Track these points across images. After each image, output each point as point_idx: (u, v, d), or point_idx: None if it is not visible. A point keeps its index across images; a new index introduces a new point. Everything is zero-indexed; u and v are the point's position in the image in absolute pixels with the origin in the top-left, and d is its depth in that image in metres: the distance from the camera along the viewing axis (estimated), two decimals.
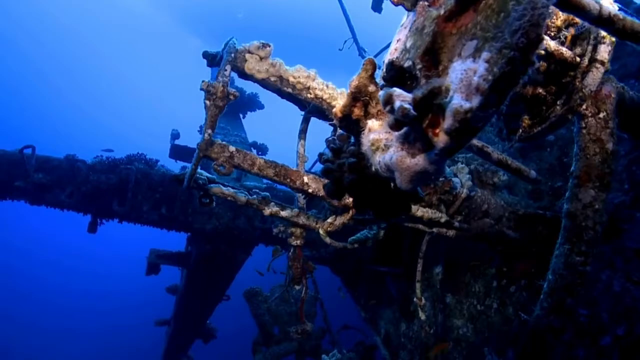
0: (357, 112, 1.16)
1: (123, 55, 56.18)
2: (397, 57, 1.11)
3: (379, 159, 1.00)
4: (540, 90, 1.48)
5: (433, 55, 0.93)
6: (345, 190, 1.29)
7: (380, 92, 0.90)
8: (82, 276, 43.99)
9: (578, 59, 1.42)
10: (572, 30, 1.43)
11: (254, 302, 5.86)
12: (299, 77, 2.75)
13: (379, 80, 1.20)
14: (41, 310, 38.84)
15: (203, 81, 2.41)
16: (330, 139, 1.42)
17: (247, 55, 2.64)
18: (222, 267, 7.47)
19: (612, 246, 3.77)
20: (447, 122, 0.77)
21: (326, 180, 1.51)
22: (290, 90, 2.77)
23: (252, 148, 9.41)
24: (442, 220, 3.37)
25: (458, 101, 0.76)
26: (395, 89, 0.89)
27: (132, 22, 51.85)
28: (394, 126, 0.95)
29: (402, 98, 0.85)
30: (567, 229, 1.66)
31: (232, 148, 2.60)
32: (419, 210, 3.28)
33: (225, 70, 2.51)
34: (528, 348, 1.61)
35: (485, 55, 0.73)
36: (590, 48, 1.45)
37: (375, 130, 1.08)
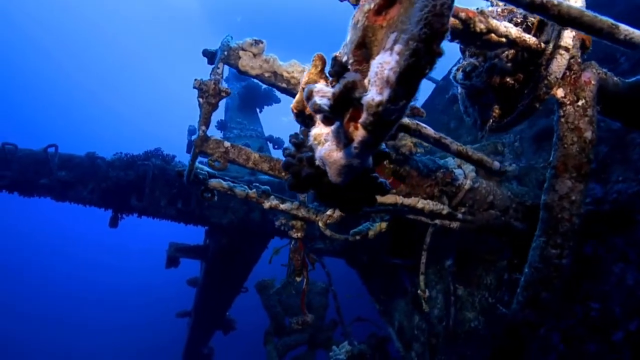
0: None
1: (145, 46, 56.83)
2: (339, 52, 1.13)
3: (317, 153, 1.03)
4: (508, 79, 1.45)
5: (365, 49, 0.95)
6: (304, 183, 1.31)
7: (305, 88, 0.92)
8: (105, 270, 45.36)
9: (544, 45, 1.38)
10: (537, 16, 1.39)
11: (265, 294, 5.98)
12: (292, 72, 2.78)
13: None
14: (65, 306, 40.29)
15: (195, 79, 2.48)
16: (293, 133, 1.46)
17: (241, 53, 2.69)
18: (239, 260, 7.63)
19: (626, 238, 3.64)
20: (363, 116, 0.79)
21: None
22: (284, 85, 2.81)
23: (267, 142, 9.52)
24: (444, 212, 3.34)
25: (371, 95, 0.78)
26: (316, 84, 0.92)
27: (155, 10, 52.08)
28: (325, 121, 0.98)
29: (322, 94, 0.88)
30: (543, 221, 1.63)
31: (227, 144, 2.67)
32: (419, 202, 3.26)
33: (218, 68, 2.56)
34: (504, 342, 1.59)
35: (397, 47, 0.74)
36: (555, 34, 1.40)
37: (319, 124, 1.10)
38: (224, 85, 2.53)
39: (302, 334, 5.81)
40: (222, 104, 10.90)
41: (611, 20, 0.92)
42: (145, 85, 59.42)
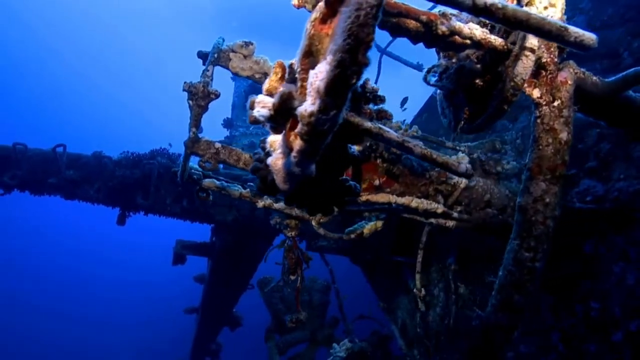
0: None
1: (156, 43, 56.90)
2: (295, 60, 1.15)
3: (267, 161, 1.05)
4: (477, 81, 1.44)
5: (313, 57, 0.97)
6: (270, 188, 1.34)
7: (249, 98, 0.94)
8: (119, 267, 45.83)
9: (510, 46, 1.36)
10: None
11: (266, 291, 6.04)
12: None
13: None
14: (80, 302, 40.87)
15: (185, 82, 2.52)
16: (263, 138, 1.49)
17: (231, 54, 2.72)
18: (245, 257, 7.71)
19: (626, 237, 3.59)
20: (299, 126, 0.81)
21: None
22: None
23: None
24: (439, 211, 3.33)
25: (305, 105, 0.80)
26: (259, 95, 0.94)
27: (165, 6, 51.87)
28: (273, 130, 1.00)
29: (263, 104, 0.90)
30: (517, 224, 1.62)
31: (217, 145, 2.70)
32: (413, 201, 3.26)
33: (208, 70, 2.60)
34: (479, 345, 1.59)
35: (328, 58, 0.76)
36: (521, 35, 1.38)
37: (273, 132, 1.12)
38: (213, 87, 2.57)
39: (304, 332, 5.86)
40: (229, 102, 10.96)
41: (560, 23, 0.91)
42: (156, 81, 59.81)
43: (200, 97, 2.51)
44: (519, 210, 1.60)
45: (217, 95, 2.57)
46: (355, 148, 1.52)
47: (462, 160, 3.64)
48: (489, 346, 1.54)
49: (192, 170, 3.10)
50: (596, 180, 3.95)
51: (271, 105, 0.87)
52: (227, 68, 2.76)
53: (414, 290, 3.65)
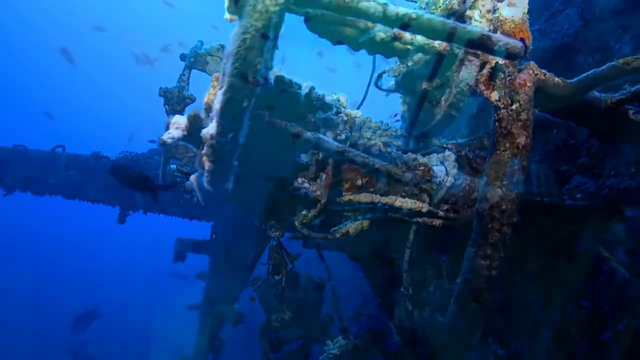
0: None
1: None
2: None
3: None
4: (426, 86, 1.42)
5: None
6: None
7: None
8: (119, 264, 45.96)
9: (457, 50, 1.34)
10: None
11: (259, 289, 6.07)
12: None
13: None
14: (80, 300, 41.08)
15: (160, 88, 2.53)
16: None
17: (208, 58, 2.73)
18: (243, 255, 7.75)
19: (616, 235, 3.54)
20: (204, 147, 0.83)
21: None
22: None
23: None
24: (424, 210, 3.30)
25: (208, 127, 0.81)
26: (176, 116, 0.95)
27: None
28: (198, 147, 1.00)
29: (177, 125, 0.91)
30: (475, 230, 1.61)
31: (195, 149, 2.72)
32: (397, 201, 3.24)
33: (184, 75, 2.61)
34: (438, 350, 1.59)
35: (227, 80, 0.77)
36: None
37: None
38: (189, 92, 2.58)
39: (298, 329, 5.90)
40: None
41: (482, 31, 0.89)
42: (156, 80, 59.54)
43: (175, 102, 2.53)
44: (477, 217, 1.59)
45: (193, 100, 2.59)
46: (304, 156, 1.53)
47: (449, 158, 3.62)
48: (449, 353, 1.54)
49: (175, 173, 3.12)
50: (588, 176, 3.90)
51: (184, 126, 0.88)
52: (205, 71, 2.76)
53: (402, 289, 3.65)
